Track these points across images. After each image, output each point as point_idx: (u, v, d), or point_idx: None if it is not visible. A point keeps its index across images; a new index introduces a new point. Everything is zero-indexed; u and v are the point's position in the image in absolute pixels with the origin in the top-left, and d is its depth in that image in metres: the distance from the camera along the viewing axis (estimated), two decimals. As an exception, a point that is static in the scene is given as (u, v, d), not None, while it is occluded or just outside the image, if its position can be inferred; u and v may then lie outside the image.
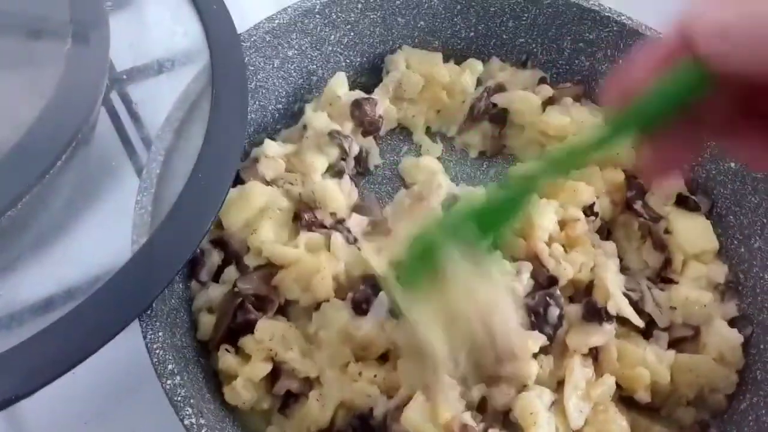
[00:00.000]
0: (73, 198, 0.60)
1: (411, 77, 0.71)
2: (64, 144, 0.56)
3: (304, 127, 0.68)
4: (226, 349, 0.55)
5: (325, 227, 0.61)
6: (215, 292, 0.58)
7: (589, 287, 0.60)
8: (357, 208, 0.65)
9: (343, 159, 0.66)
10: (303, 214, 0.61)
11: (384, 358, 0.56)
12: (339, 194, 0.64)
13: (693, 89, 0.38)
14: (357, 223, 0.63)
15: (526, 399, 0.52)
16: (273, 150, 0.65)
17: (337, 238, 0.60)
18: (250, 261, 0.59)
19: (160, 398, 0.48)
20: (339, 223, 0.62)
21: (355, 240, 0.61)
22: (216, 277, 0.61)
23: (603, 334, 0.56)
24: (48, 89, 0.58)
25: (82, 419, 0.62)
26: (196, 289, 0.60)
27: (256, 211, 0.61)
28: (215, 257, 0.61)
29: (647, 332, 0.60)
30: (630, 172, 0.68)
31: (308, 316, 0.58)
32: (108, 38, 0.62)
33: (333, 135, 0.66)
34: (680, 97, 0.39)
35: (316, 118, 0.67)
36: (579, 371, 0.54)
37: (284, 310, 0.59)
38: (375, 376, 0.54)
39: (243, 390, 0.53)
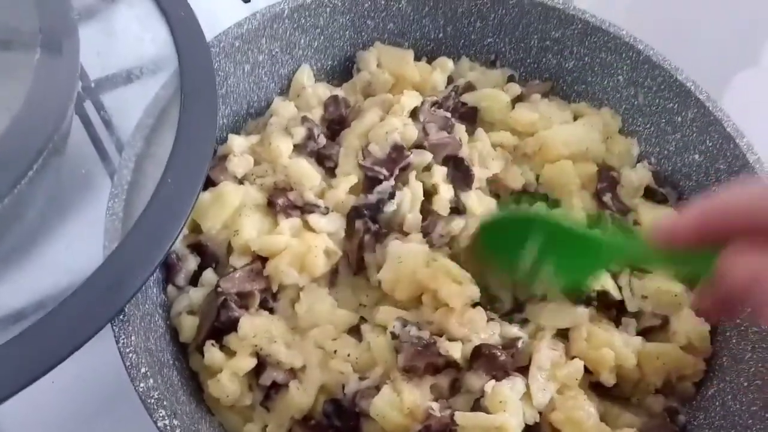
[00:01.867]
0: (47, 207, 0.60)
1: (380, 76, 0.72)
2: (35, 153, 0.56)
3: (271, 115, 0.69)
4: (212, 344, 0.56)
5: (299, 208, 0.63)
6: (196, 295, 0.59)
7: None
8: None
9: (310, 139, 0.67)
10: (276, 201, 0.62)
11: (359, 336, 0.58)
12: (312, 171, 0.65)
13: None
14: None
15: (498, 388, 0.53)
16: (239, 145, 0.66)
17: (314, 218, 0.61)
18: (235, 261, 0.60)
19: (138, 405, 0.48)
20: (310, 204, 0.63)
21: (327, 210, 0.63)
22: (193, 281, 0.61)
23: (575, 317, 0.59)
24: (17, 99, 0.58)
25: (61, 428, 0.63)
26: (174, 294, 0.60)
27: (233, 211, 0.62)
28: (192, 262, 0.61)
29: (617, 321, 0.61)
30: (601, 165, 0.70)
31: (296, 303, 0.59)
32: (78, 47, 0.62)
33: (305, 119, 0.67)
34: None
35: (284, 107, 0.69)
36: (545, 352, 0.55)
37: (266, 305, 0.59)
38: (349, 354, 0.56)
39: (228, 383, 0.54)
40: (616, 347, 0.57)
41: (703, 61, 0.72)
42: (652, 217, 0.67)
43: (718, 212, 0.42)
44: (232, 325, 0.56)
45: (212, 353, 0.55)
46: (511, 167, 0.68)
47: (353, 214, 0.62)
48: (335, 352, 0.56)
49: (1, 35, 0.63)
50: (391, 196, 0.61)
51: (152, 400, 0.47)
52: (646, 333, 0.61)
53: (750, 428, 0.53)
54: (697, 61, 0.71)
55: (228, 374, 0.54)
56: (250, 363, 0.55)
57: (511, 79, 0.76)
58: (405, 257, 0.58)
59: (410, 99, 0.68)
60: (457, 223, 0.61)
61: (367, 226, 0.60)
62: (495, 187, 0.69)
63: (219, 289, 0.57)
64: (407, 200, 0.62)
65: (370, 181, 0.63)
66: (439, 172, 0.64)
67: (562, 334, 0.59)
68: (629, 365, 0.57)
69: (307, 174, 0.64)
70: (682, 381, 0.59)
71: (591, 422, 0.54)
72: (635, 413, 0.58)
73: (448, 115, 0.68)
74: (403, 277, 0.58)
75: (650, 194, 0.69)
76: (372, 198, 0.61)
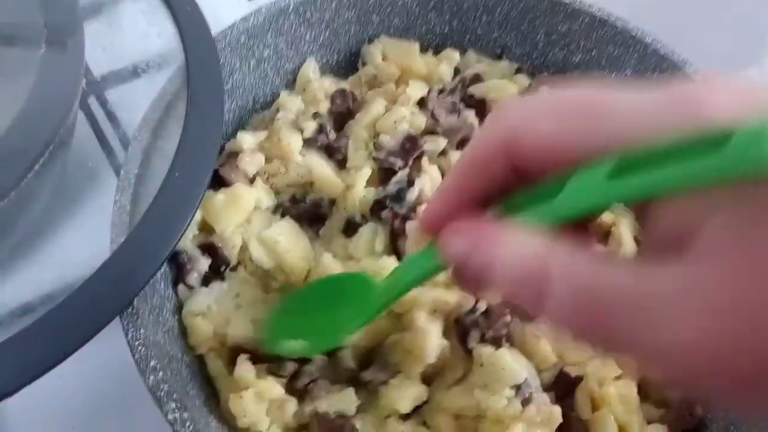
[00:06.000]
0: (52, 202, 0.60)
1: (386, 69, 0.72)
2: (42, 147, 0.56)
3: (277, 109, 0.68)
4: (247, 358, 0.54)
5: None
6: (209, 296, 0.58)
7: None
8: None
9: (321, 133, 0.66)
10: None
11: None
12: (330, 172, 0.63)
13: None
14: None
15: None
16: (248, 142, 0.65)
17: None
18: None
19: (147, 402, 0.48)
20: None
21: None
22: (205, 282, 0.60)
23: None
24: (22, 95, 0.58)
25: (69, 425, 0.62)
26: (185, 293, 0.59)
27: (247, 214, 0.61)
28: (203, 263, 0.59)
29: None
30: None
31: None
32: (83, 43, 0.62)
33: (316, 114, 0.66)
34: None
35: (291, 101, 0.68)
36: None
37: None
38: None
39: (251, 404, 0.51)
40: None
41: (705, 60, 0.72)
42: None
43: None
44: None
45: (245, 368, 0.53)
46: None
47: (376, 208, 0.61)
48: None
49: (5, 31, 0.63)
50: (410, 183, 0.61)
51: (162, 393, 0.46)
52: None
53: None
54: (701, 61, 0.71)
55: (252, 394, 0.51)
56: (279, 391, 0.52)
57: (518, 71, 0.76)
58: None
59: (416, 89, 0.68)
60: None
61: (394, 212, 0.59)
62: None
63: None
64: (427, 185, 0.61)
65: (385, 172, 0.62)
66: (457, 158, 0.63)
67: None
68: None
69: (326, 178, 0.63)
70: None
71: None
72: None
73: (456, 100, 0.68)
74: None
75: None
76: (391, 189, 0.61)
